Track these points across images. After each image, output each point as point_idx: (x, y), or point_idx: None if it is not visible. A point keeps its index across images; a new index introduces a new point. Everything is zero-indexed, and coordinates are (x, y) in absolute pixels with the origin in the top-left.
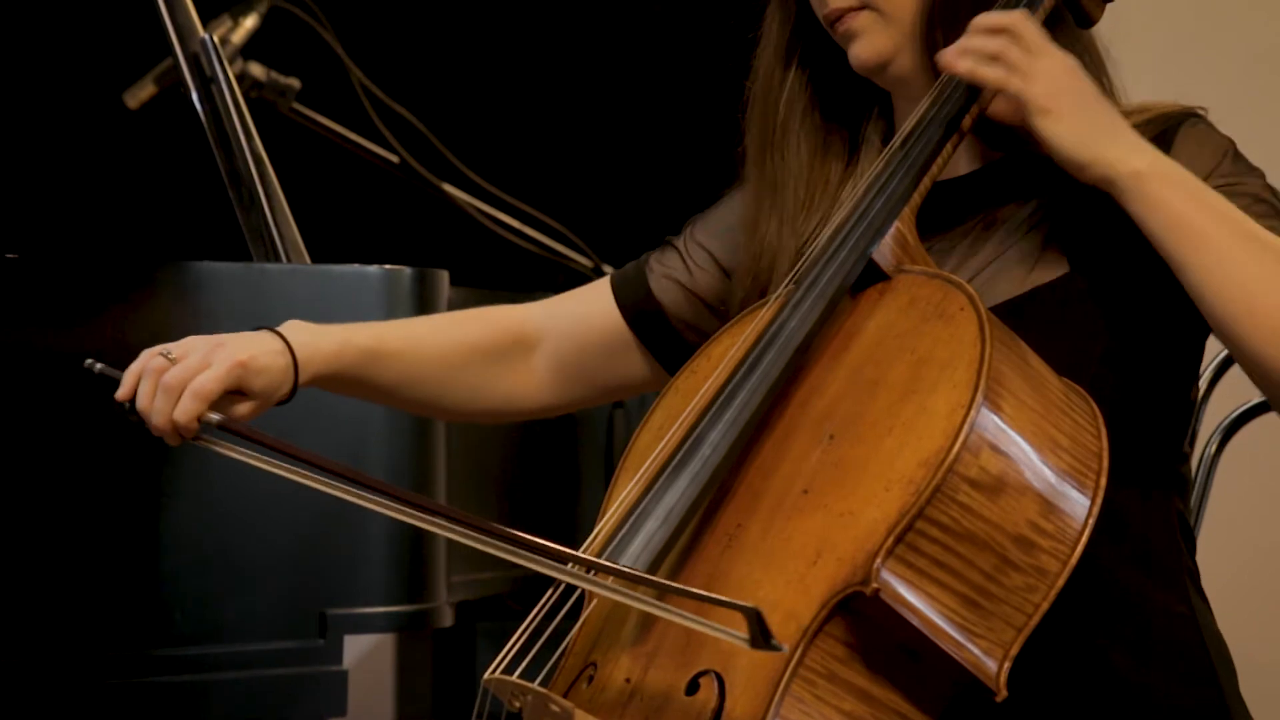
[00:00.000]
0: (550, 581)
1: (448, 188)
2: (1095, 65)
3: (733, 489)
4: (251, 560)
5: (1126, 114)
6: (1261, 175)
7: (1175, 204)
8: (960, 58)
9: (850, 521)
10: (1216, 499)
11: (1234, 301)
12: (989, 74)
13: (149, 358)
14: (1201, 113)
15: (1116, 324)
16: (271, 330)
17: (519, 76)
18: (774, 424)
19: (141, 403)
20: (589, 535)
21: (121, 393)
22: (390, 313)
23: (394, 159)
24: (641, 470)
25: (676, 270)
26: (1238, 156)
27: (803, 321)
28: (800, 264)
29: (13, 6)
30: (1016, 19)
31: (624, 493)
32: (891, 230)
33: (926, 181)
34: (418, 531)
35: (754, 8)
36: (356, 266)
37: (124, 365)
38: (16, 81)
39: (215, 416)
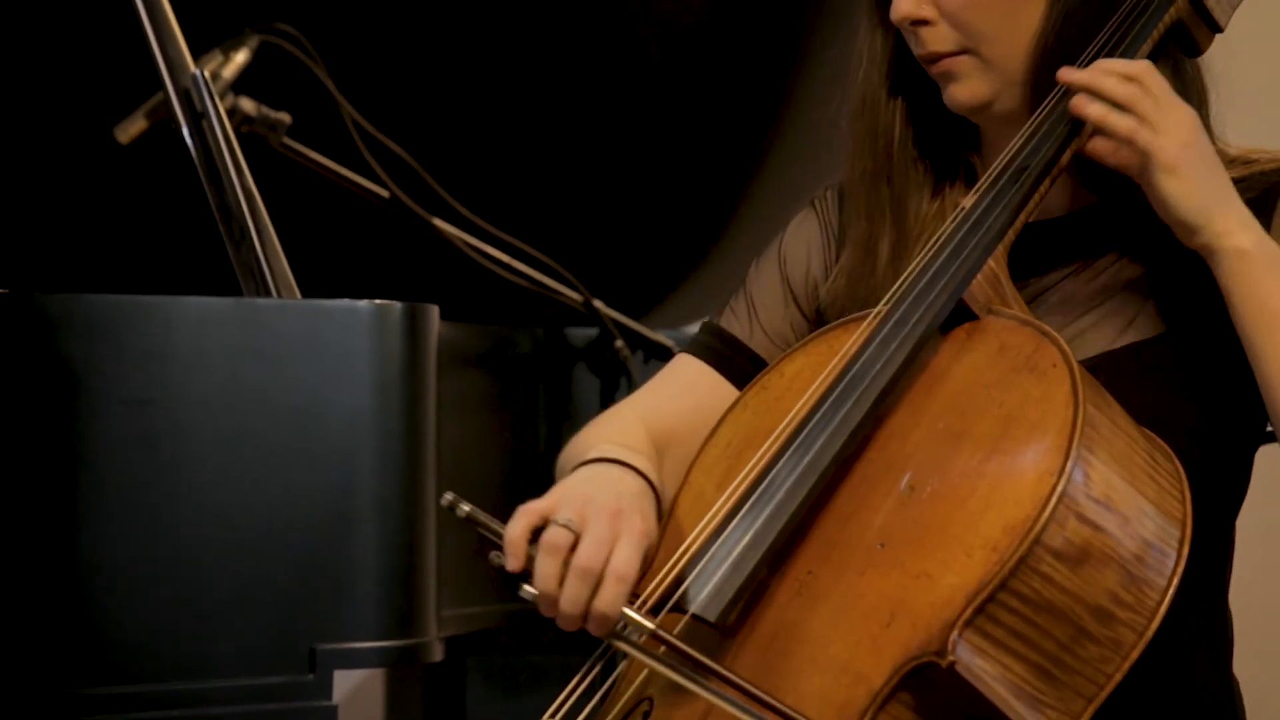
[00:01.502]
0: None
1: (438, 222)
2: (1199, 96)
3: (806, 533)
4: (240, 595)
5: (1228, 163)
6: None
7: (1268, 292)
8: (1090, 102)
9: (927, 585)
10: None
11: None
12: (1120, 123)
13: (541, 522)
14: None
15: (1207, 390)
16: (620, 464)
17: (509, 111)
18: (852, 467)
19: (545, 585)
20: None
21: (515, 564)
22: (380, 347)
23: (384, 193)
24: (715, 507)
25: (768, 320)
26: None
27: (888, 363)
28: (891, 294)
29: (2, 40)
30: (1146, 68)
31: (689, 522)
32: (984, 268)
33: (1022, 219)
34: (408, 565)
35: (734, 40)
36: (347, 301)
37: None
38: (6, 114)
39: (649, 625)
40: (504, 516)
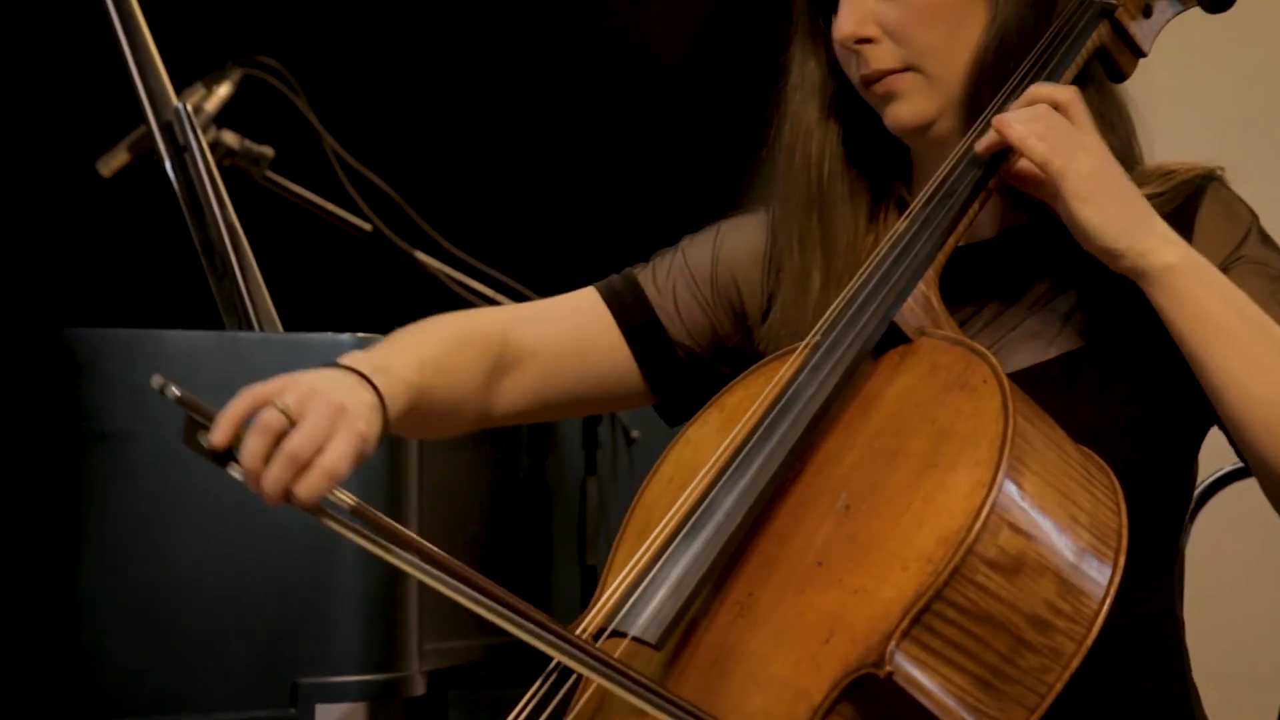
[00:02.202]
0: (545, 661)
1: (421, 255)
2: (1124, 121)
3: (745, 555)
4: (223, 629)
5: (1148, 175)
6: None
7: (1202, 302)
8: (1014, 123)
9: (865, 599)
10: (1191, 565)
11: (1252, 406)
12: (1038, 147)
13: (257, 405)
14: (1220, 174)
15: (1135, 399)
16: (354, 371)
17: (492, 145)
18: (789, 490)
19: (251, 462)
20: (566, 600)
21: (220, 438)
22: None
23: (367, 226)
24: (653, 534)
25: (682, 293)
26: (1262, 230)
27: (821, 386)
28: (822, 321)
29: None
30: (1072, 95)
31: (632, 554)
32: (914, 292)
33: (951, 242)
34: (389, 600)
35: (715, 79)
36: (330, 335)
37: (100, 437)
38: None
39: (349, 500)
40: (490, 544)
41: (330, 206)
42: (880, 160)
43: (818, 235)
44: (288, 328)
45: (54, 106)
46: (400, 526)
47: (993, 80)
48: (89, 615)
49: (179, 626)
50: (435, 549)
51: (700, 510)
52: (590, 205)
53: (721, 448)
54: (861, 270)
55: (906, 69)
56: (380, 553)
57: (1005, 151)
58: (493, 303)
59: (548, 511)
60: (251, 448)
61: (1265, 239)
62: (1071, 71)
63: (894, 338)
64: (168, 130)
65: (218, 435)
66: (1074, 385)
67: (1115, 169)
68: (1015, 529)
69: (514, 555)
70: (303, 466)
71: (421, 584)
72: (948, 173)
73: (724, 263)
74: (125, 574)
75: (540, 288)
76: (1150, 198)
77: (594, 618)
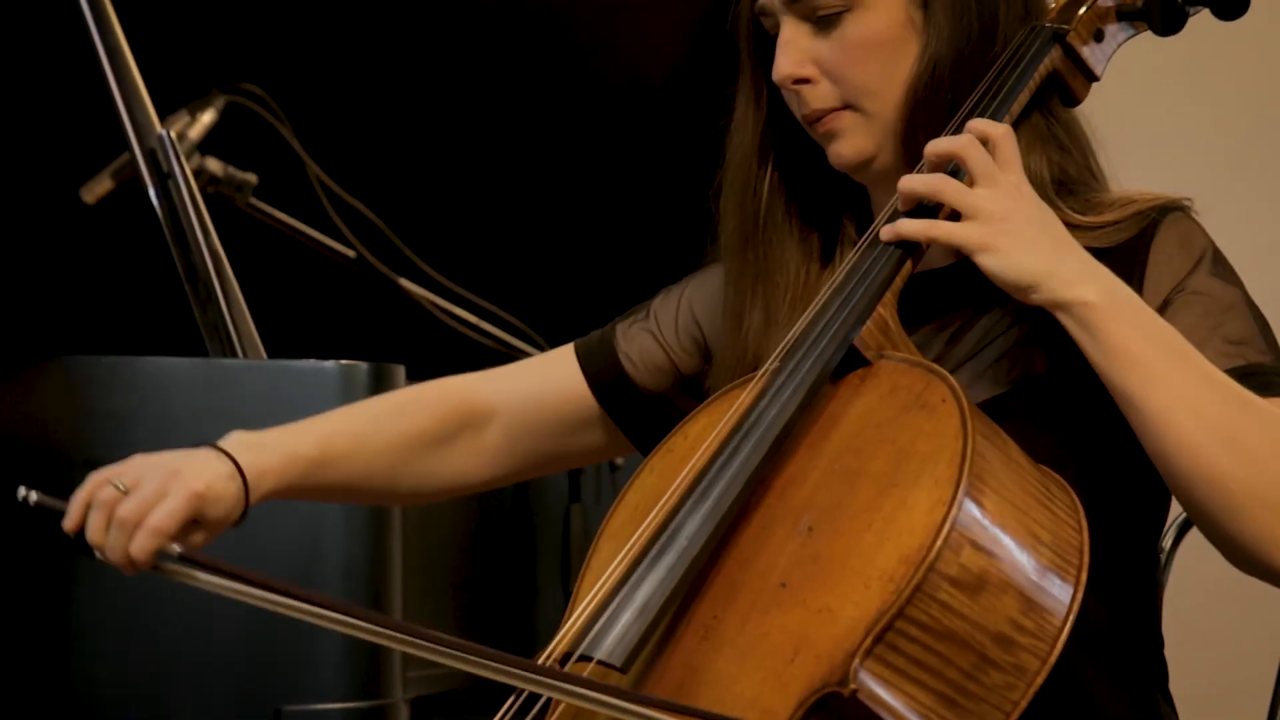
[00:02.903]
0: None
1: (404, 282)
2: (1077, 143)
3: (710, 578)
4: (206, 656)
5: (1107, 204)
6: (1239, 284)
7: (1122, 336)
8: (903, 225)
9: (828, 619)
10: (1170, 595)
11: (1173, 443)
12: (918, 231)
13: (98, 487)
14: (1187, 204)
15: (1096, 423)
16: (216, 448)
17: (475, 170)
18: (752, 513)
19: (93, 536)
20: (550, 627)
21: (69, 524)
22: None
23: (350, 254)
24: (618, 558)
25: (646, 342)
26: (1216, 259)
27: (783, 410)
28: (781, 347)
29: None
30: (1001, 133)
31: (598, 580)
32: (873, 315)
33: (909, 267)
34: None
35: (700, 101)
36: (313, 362)
37: (84, 464)
38: None
39: (176, 548)
40: (473, 573)
41: (314, 233)
42: (831, 196)
43: (754, 273)
44: (271, 354)
45: (38, 133)
46: (236, 567)
47: (928, 111)
48: (74, 644)
49: (159, 656)
50: (281, 582)
51: (665, 534)
52: (575, 230)
53: (684, 473)
54: (819, 297)
55: (845, 107)
56: (225, 593)
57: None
58: (476, 329)
59: (531, 538)
60: (91, 523)
61: (1217, 270)
62: (1024, 96)
63: (853, 360)
64: (151, 157)
65: (68, 521)
66: (1033, 412)
67: (1028, 208)
68: (977, 546)
69: (498, 582)
70: (133, 529)
71: (405, 609)
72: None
73: (686, 301)
74: (109, 603)
75: (525, 313)
76: (1102, 225)
77: (560, 642)
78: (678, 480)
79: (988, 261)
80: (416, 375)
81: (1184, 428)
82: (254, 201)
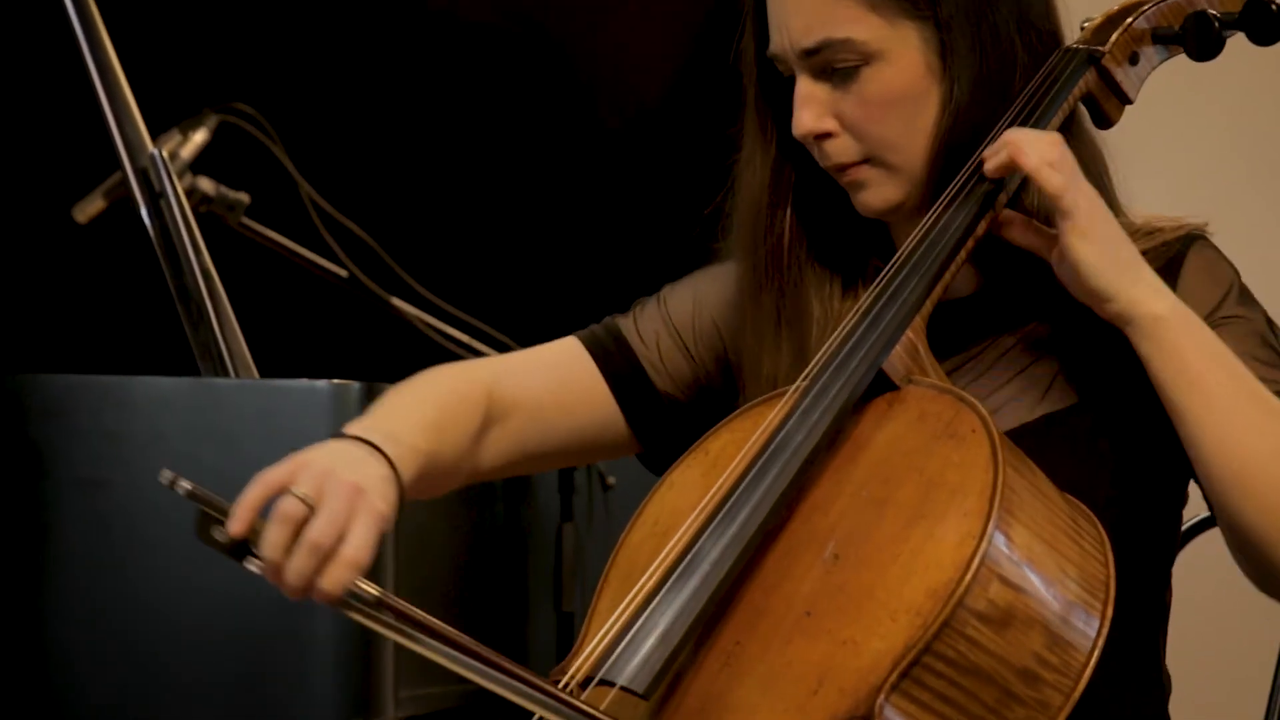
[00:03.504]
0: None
1: (396, 301)
2: (1098, 167)
3: (733, 604)
4: (198, 677)
5: (1133, 234)
6: (1263, 311)
7: (1188, 355)
8: (1028, 149)
9: (853, 651)
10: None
11: (1229, 464)
12: (1053, 178)
13: (277, 493)
14: (1206, 232)
15: (1124, 456)
16: (372, 447)
17: (468, 191)
18: (777, 537)
19: (273, 554)
20: (542, 646)
21: (238, 528)
22: (339, 427)
23: (343, 273)
24: (641, 580)
25: (665, 341)
26: (1243, 289)
27: (810, 434)
28: (809, 369)
29: None
30: (1057, 139)
31: (617, 600)
32: (902, 339)
33: (939, 290)
34: (365, 646)
35: (693, 124)
36: (305, 381)
37: (75, 483)
38: None
39: (373, 592)
40: (465, 592)
41: (306, 253)
42: (850, 228)
43: (774, 317)
44: (264, 374)
45: (30, 153)
46: (423, 613)
47: (954, 158)
48: (61, 663)
49: (152, 674)
50: (459, 634)
51: (688, 558)
52: (567, 250)
53: (709, 494)
54: (848, 319)
55: (866, 161)
56: (407, 643)
57: (993, 200)
58: (469, 349)
59: (523, 558)
60: (272, 539)
61: (1243, 298)
62: (1057, 119)
63: (882, 385)
64: (143, 176)
65: (236, 526)
66: (1059, 445)
67: (1108, 212)
68: (1005, 581)
69: (489, 602)
70: (325, 556)
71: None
72: (933, 223)
73: (705, 309)
74: (97, 622)
75: (517, 334)
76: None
77: (581, 665)
78: (702, 501)
79: (1086, 251)
80: None
81: (1240, 446)
82: (246, 221)
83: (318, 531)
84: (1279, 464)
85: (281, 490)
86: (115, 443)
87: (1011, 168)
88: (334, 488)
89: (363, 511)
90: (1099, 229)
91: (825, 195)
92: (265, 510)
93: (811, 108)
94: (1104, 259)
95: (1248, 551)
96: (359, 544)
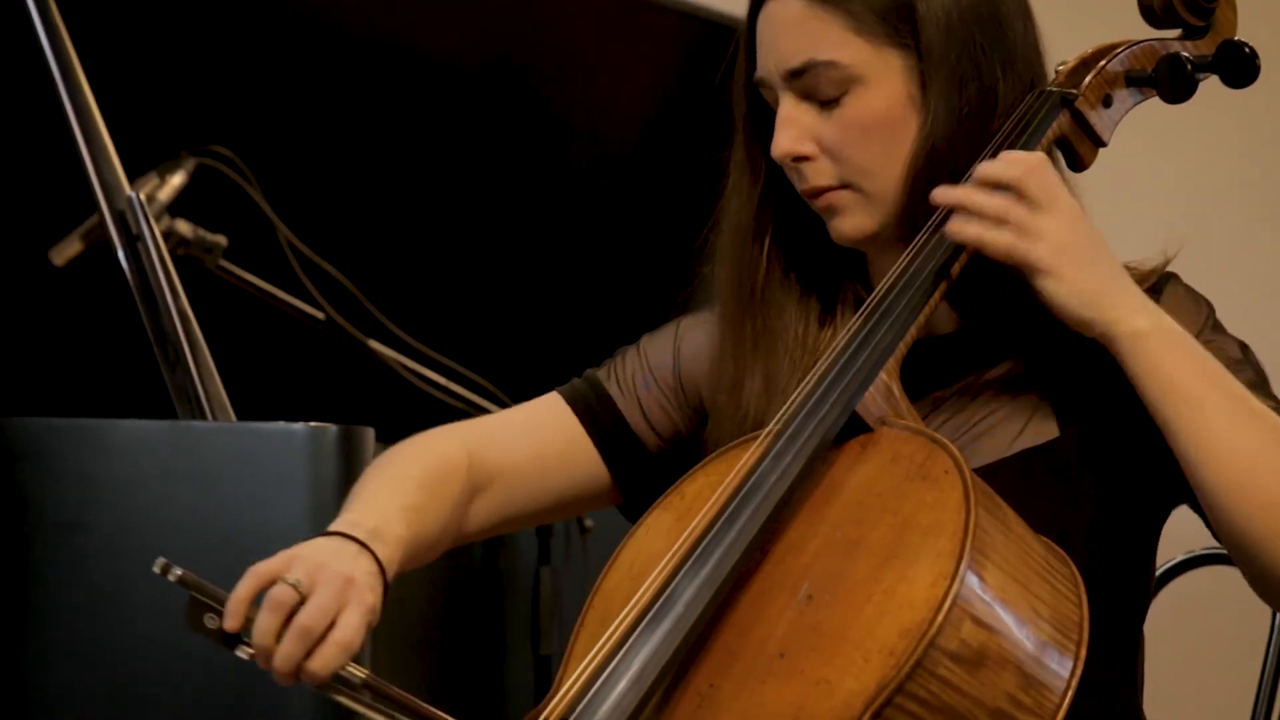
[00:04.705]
0: None
1: (374, 344)
2: None
3: (707, 645)
4: (179, 717)
5: None
6: (1237, 340)
7: (1174, 367)
8: (966, 224)
9: (827, 691)
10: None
11: (1225, 471)
12: (996, 240)
13: (264, 582)
14: (1176, 274)
15: (1100, 493)
16: (361, 545)
17: (444, 233)
18: (750, 579)
19: (264, 639)
20: (520, 690)
21: (233, 623)
22: (316, 470)
23: (320, 316)
24: (614, 622)
25: (645, 394)
26: (1216, 321)
27: (783, 476)
28: (783, 411)
29: None
30: (1019, 170)
31: (592, 642)
32: (876, 381)
33: (913, 332)
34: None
35: (667, 169)
36: (282, 424)
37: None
38: None
39: (360, 674)
40: (442, 635)
41: (284, 295)
42: (830, 262)
43: (753, 342)
44: (241, 417)
45: (6, 195)
46: (413, 698)
47: (931, 185)
48: (42, 706)
49: (135, 716)
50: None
51: (661, 600)
52: (544, 294)
53: (683, 536)
54: (821, 360)
55: (843, 186)
56: None
57: (962, 247)
58: (447, 392)
59: (501, 601)
60: (264, 625)
61: (1219, 327)
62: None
63: (856, 426)
64: (121, 219)
65: (230, 621)
66: (1039, 479)
67: (1084, 231)
68: (977, 621)
69: (467, 645)
70: (315, 641)
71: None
72: (906, 264)
73: (685, 362)
74: (74, 666)
75: (494, 376)
76: None
77: (555, 708)
78: (676, 543)
79: (1052, 287)
80: (386, 437)
81: (1235, 457)
82: (223, 263)
83: (309, 617)
84: (1270, 470)
85: (274, 580)
86: (93, 485)
87: (957, 242)
88: (326, 577)
89: (354, 601)
90: (1066, 260)
91: (805, 226)
92: (258, 599)
93: (791, 129)
94: (1075, 289)
95: (1254, 566)
96: (349, 628)
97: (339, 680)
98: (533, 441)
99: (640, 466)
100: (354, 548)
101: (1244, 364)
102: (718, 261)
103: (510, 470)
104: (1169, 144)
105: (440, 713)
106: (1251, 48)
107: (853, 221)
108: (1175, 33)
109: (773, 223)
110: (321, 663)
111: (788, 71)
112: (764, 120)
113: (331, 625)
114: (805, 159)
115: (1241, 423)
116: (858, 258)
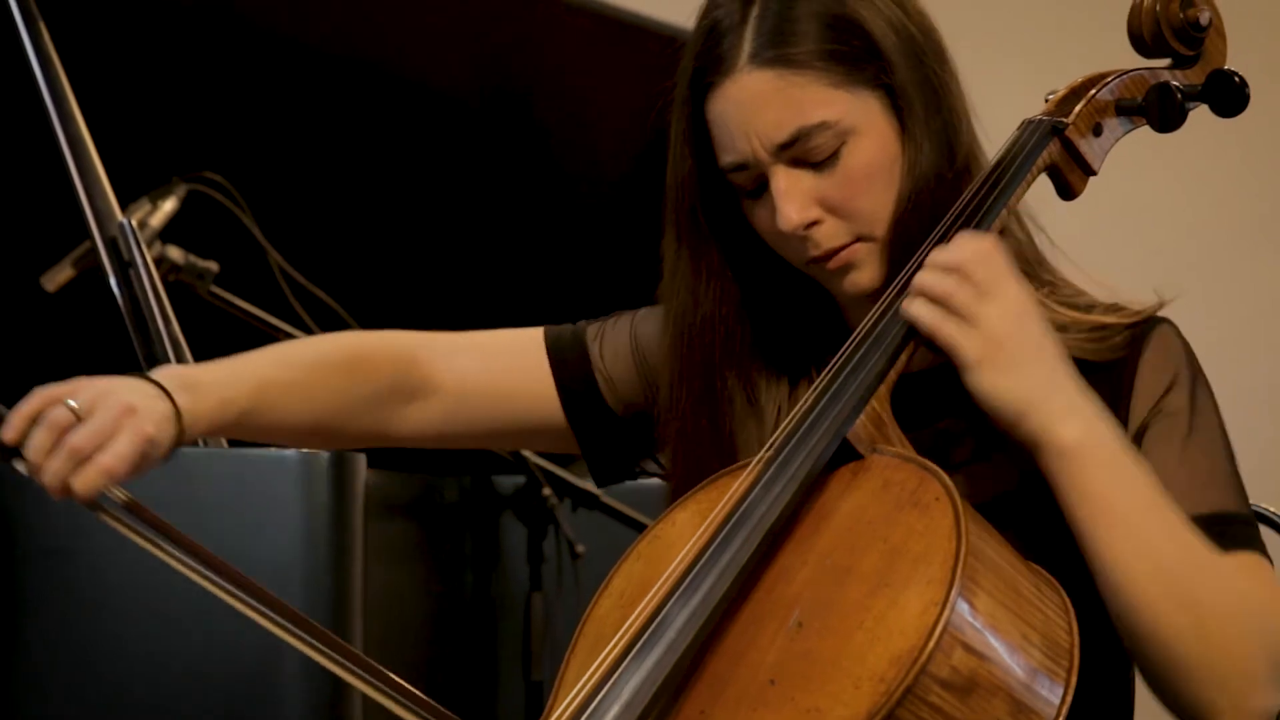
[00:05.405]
0: None
1: None
2: (1025, 227)
3: (698, 673)
4: (158, 698)
5: (1101, 309)
6: (1212, 406)
7: (1094, 482)
8: (912, 301)
9: (817, 719)
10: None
11: (1130, 591)
12: (927, 319)
13: (48, 403)
14: (1167, 317)
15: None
16: (155, 384)
17: (436, 259)
18: (741, 606)
19: (34, 455)
20: (512, 715)
21: (10, 434)
22: (307, 496)
23: None
24: (606, 650)
25: (621, 364)
26: (1194, 377)
27: (774, 504)
28: (774, 438)
29: None
30: (970, 256)
31: (583, 670)
32: (866, 409)
33: (903, 359)
34: (336, 716)
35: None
36: (273, 450)
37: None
38: None
39: (122, 495)
40: (433, 671)
41: (275, 321)
42: (807, 323)
43: (706, 436)
44: (232, 443)
45: None
46: (176, 529)
47: (918, 224)
48: (23, 678)
49: (117, 692)
50: (216, 557)
51: (653, 627)
52: (537, 318)
53: (674, 563)
54: (812, 389)
55: (856, 240)
56: (157, 552)
57: None
58: None
59: (492, 627)
60: (35, 442)
61: (1194, 388)
62: (1022, 190)
63: (847, 454)
64: (112, 246)
65: (8, 432)
66: (1029, 514)
67: (1026, 326)
68: (968, 648)
69: (459, 670)
70: (82, 461)
71: (366, 699)
72: (898, 289)
73: (638, 344)
74: (66, 692)
75: None
76: (1097, 329)
77: None
78: (666, 571)
79: (978, 379)
80: (377, 462)
81: (1141, 584)
82: (215, 289)
83: (78, 438)
84: (1176, 603)
85: (57, 402)
86: (83, 512)
87: (905, 319)
88: (107, 404)
89: (129, 429)
90: (1001, 352)
91: (785, 305)
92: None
93: (794, 199)
94: (1001, 390)
95: (1153, 681)
96: (115, 454)
97: (104, 499)
98: (494, 368)
99: (604, 427)
100: (153, 390)
101: (1205, 438)
102: (672, 353)
103: (456, 388)
104: (1165, 165)
105: (206, 551)
106: (1241, 77)
107: (869, 274)
108: (1165, 62)
109: (738, 309)
110: (83, 482)
111: (777, 145)
112: (722, 209)
113: (101, 449)
114: (814, 224)
115: (1156, 551)
116: (834, 311)
